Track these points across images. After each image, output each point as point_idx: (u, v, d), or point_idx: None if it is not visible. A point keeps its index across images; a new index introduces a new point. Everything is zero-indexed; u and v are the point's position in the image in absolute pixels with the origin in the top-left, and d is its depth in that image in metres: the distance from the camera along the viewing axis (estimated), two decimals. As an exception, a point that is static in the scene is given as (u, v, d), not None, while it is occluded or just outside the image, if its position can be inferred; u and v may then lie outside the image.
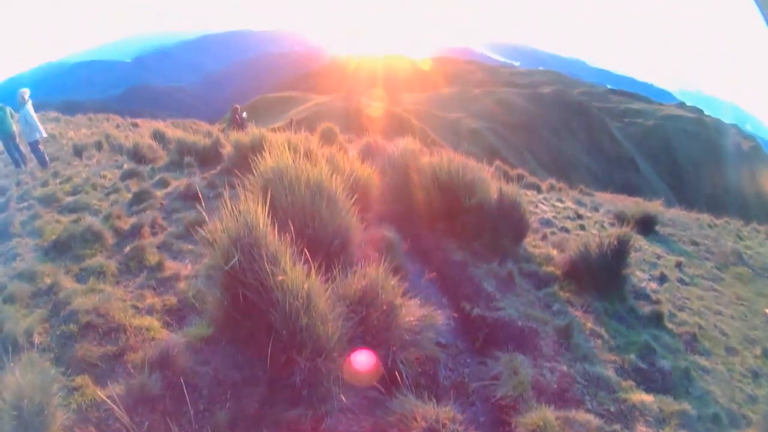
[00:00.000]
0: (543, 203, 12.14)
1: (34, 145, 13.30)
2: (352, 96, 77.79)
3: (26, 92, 13.53)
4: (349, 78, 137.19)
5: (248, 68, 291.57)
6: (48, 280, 5.26)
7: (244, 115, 20.14)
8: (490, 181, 7.80)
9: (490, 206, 7.14)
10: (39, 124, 13.56)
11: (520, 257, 6.89)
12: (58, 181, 10.54)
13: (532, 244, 7.72)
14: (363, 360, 3.70)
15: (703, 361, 5.53)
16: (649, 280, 7.86)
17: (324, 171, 5.03)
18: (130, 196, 8.62)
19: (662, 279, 8.06)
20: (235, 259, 3.66)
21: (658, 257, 9.39)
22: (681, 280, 8.39)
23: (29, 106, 13.38)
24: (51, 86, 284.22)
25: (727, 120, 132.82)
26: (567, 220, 10.79)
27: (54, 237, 6.58)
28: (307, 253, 3.85)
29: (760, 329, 7.14)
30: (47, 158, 13.30)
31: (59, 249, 6.16)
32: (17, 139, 13.61)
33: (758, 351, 6.31)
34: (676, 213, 15.83)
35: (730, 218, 16.82)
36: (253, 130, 10.35)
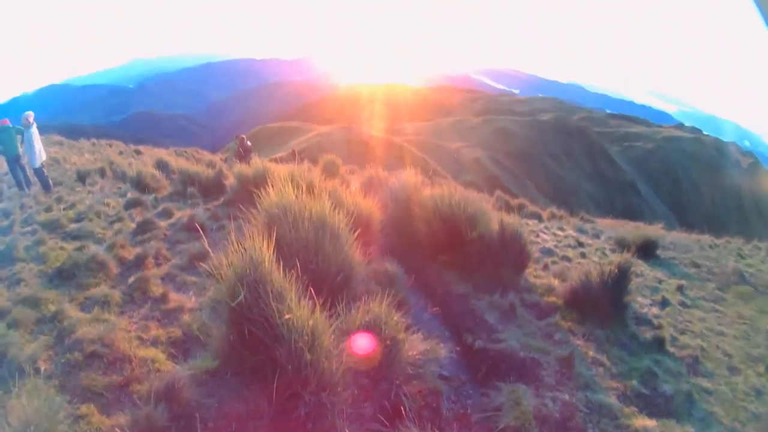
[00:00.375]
0: (544, 232, 12.19)
1: (38, 169, 13.38)
2: (353, 127, 78.30)
3: (31, 115, 13.64)
4: (350, 108, 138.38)
5: (250, 97, 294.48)
6: (52, 308, 5.32)
7: (248, 143, 20.22)
8: (491, 212, 7.88)
9: (492, 238, 7.19)
10: (42, 147, 13.64)
11: (522, 288, 6.92)
12: (61, 206, 10.57)
13: (533, 274, 7.76)
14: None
15: (705, 383, 5.53)
16: (651, 305, 7.87)
17: (327, 206, 5.12)
18: (133, 225, 8.70)
19: (664, 303, 8.07)
20: (242, 296, 3.73)
21: (660, 281, 9.40)
22: (683, 303, 8.39)
23: (34, 130, 13.49)
24: (55, 108, 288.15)
25: (726, 138, 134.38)
26: (568, 248, 10.82)
27: (58, 264, 6.65)
28: (311, 288, 3.92)
29: (763, 347, 7.11)
30: (51, 182, 13.36)
31: (63, 276, 6.22)
32: (22, 161, 13.69)
33: (761, 368, 6.28)
34: (677, 236, 15.82)
35: (731, 237, 16.80)
36: (256, 163, 10.45)
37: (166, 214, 9.34)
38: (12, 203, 11.78)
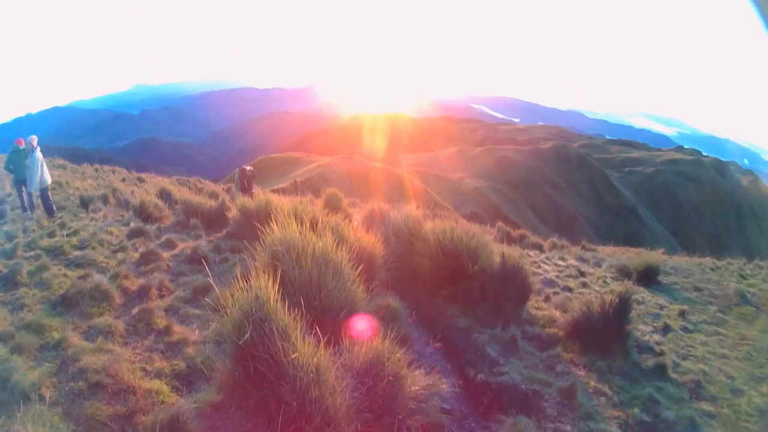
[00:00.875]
0: (546, 263, 12.18)
1: (42, 193, 13.42)
2: (355, 158, 78.69)
3: (34, 139, 13.67)
4: (352, 138, 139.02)
5: (253, 126, 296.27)
6: (56, 335, 5.33)
7: (251, 169, 20.30)
8: (492, 245, 7.94)
9: (493, 271, 7.26)
10: (47, 171, 13.70)
11: (524, 320, 6.96)
12: (65, 233, 10.57)
13: (535, 306, 7.79)
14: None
15: (708, 407, 5.51)
16: (653, 332, 7.86)
17: (330, 243, 5.21)
18: (137, 255, 8.70)
19: (666, 329, 8.05)
20: (248, 334, 3.81)
21: (661, 308, 9.37)
22: (684, 329, 8.37)
23: (38, 153, 13.54)
24: (59, 131, 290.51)
25: (725, 157, 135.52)
26: (569, 278, 10.82)
27: (61, 291, 6.67)
28: (315, 325, 3.98)
29: (766, 366, 7.09)
30: (54, 207, 13.40)
31: (67, 304, 6.23)
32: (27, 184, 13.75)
33: (765, 389, 6.23)
34: (679, 260, 15.77)
35: (733, 257, 16.66)
36: (259, 195, 10.51)
37: (169, 245, 9.40)
38: (15, 226, 11.78)
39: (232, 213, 10.83)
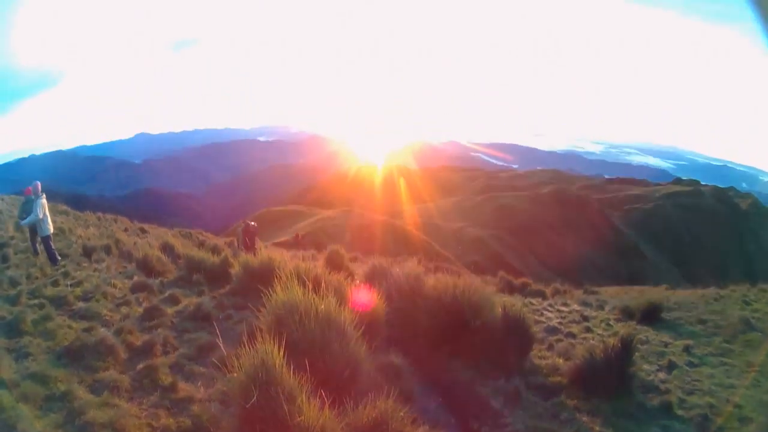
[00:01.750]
0: (548, 310, 12.23)
1: (45, 241, 13.49)
2: (356, 211, 78.94)
3: (39, 185, 13.87)
4: (353, 190, 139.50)
5: (253, 179, 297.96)
6: (61, 386, 5.35)
7: (254, 224, 20.41)
8: (494, 297, 8.05)
9: (496, 324, 7.37)
10: (49, 219, 13.78)
11: (527, 370, 7.04)
12: (68, 282, 10.64)
13: (538, 355, 7.87)
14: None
15: None
16: (657, 370, 7.88)
17: (332, 304, 5.35)
18: (141, 310, 8.70)
19: (671, 366, 8.06)
20: (254, 398, 3.91)
21: (666, 345, 9.38)
22: (690, 363, 8.36)
23: (43, 200, 13.66)
24: (62, 175, 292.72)
25: (723, 183, 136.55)
26: (573, 324, 10.87)
27: (66, 343, 6.70)
28: (320, 387, 4.09)
29: None
30: (57, 255, 13.45)
31: (72, 356, 6.25)
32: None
33: None
34: (682, 294, 15.72)
35: (736, 284, 16.46)
36: (261, 252, 10.59)
37: (173, 300, 9.41)
38: (19, 271, 11.82)
39: (235, 270, 10.89)
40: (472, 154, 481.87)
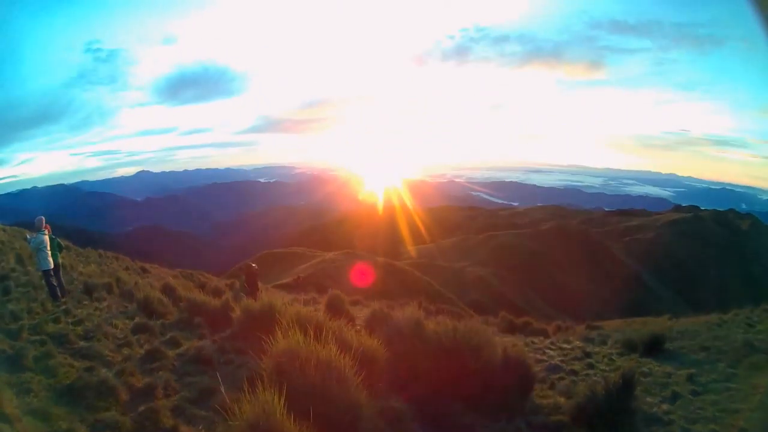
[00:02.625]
0: (550, 348, 12.21)
1: (45, 275, 13.41)
2: (356, 253, 78.87)
3: (43, 220, 13.90)
4: (354, 232, 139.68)
5: (255, 220, 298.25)
6: (63, 425, 5.39)
7: (255, 266, 20.48)
8: (495, 338, 8.10)
9: (497, 366, 7.39)
10: (49, 255, 13.81)
11: (529, 411, 7.05)
12: (69, 320, 10.66)
13: (540, 394, 7.88)
14: None
15: None
16: (661, 402, 7.85)
17: (333, 351, 5.41)
18: (142, 352, 8.71)
19: (674, 397, 8.02)
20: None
21: (669, 375, 9.31)
22: (693, 392, 8.31)
23: (45, 237, 13.68)
24: (64, 209, 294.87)
25: (723, 207, 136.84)
26: (575, 361, 10.85)
27: (68, 381, 6.71)
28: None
29: None
30: (58, 291, 13.44)
31: (73, 395, 6.27)
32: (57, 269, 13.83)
33: None
34: (685, 322, 15.74)
35: (739, 307, 16.36)
36: (262, 295, 10.61)
37: (174, 343, 9.41)
38: (20, 306, 11.72)
39: (237, 314, 10.94)
40: (473, 193, 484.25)
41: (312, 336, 5.57)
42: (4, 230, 27.12)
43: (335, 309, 12.29)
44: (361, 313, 12.38)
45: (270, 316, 8.45)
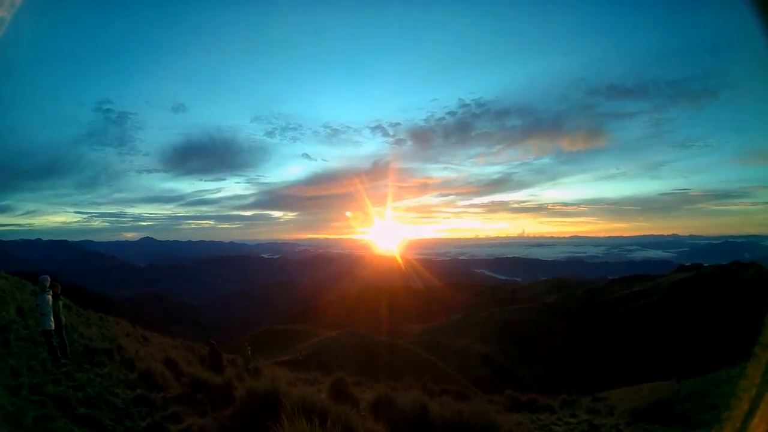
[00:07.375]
0: (557, 424, 12.10)
1: (46, 335, 13.30)
2: (359, 332, 78.33)
3: (48, 280, 13.91)
4: (356, 310, 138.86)
5: (258, 294, 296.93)
6: None
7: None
8: (500, 420, 8.06)
9: None
10: (51, 315, 13.76)
11: None
12: (70, 383, 10.56)
13: None
14: None
15: None
16: None
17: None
18: (143, 424, 8.64)
19: None
20: None
21: None
22: None
23: (50, 296, 13.69)
24: (66, 266, 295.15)
25: (725, 260, 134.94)
26: None
27: None
28: None
29: None
30: (59, 353, 13.35)
31: None
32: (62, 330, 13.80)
33: None
34: (692, 382, 15.43)
35: (746, 360, 15.99)
36: (265, 376, 10.56)
37: (176, 419, 9.30)
38: (20, 361, 11.60)
39: (239, 392, 10.88)
40: (475, 270, 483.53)
41: (317, 423, 5.57)
42: (6, 278, 26.59)
43: (339, 392, 12.19)
44: (365, 395, 12.26)
45: (274, 398, 8.44)
